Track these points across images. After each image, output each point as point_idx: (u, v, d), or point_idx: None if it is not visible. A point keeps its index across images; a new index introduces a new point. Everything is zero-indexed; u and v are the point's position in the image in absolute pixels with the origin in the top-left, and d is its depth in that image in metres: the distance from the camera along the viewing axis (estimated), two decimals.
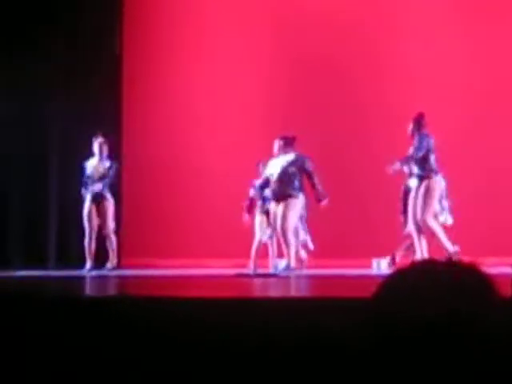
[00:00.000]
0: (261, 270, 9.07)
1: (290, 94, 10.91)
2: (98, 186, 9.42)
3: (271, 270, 9.21)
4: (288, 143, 8.96)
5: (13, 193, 10.35)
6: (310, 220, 9.86)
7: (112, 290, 6.48)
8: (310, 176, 8.85)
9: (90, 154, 9.63)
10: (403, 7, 10.95)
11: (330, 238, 10.33)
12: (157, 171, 10.86)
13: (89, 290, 6.64)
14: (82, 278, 8.45)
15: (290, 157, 8.89)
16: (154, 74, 11.23)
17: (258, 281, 7.90)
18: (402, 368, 1.28)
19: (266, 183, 9.04)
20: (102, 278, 8.54)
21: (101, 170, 9.47)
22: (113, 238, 9.52)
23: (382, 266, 9.16)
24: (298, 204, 8.76)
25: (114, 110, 10.92)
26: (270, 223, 9.29)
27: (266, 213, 9.58)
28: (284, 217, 8.68)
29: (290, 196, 8.74)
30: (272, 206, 8.92)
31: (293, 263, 8.73)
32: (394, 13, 10.93)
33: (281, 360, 3.13)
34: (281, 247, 9.04)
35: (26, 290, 5.56)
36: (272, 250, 9.60)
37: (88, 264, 9.39)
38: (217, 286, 7.04)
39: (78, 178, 9.99)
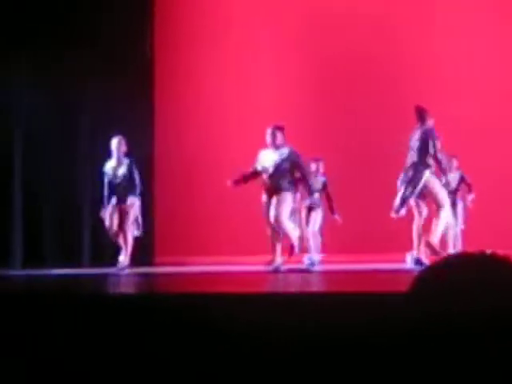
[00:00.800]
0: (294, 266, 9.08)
1: (320, 94, 10.94)
2: (120, 189, 9.37)
3: (305, 265, 9.25)
4: (281, 134, 8.84)
5: (46, 192, 10.44)
6: (342, 215, 9.94)
7: (146, 288, 6.52)
8: (302, 172, 8.77)
9: (108, 156, 9.49)
10: (434, 5, 10.94)
11: (364, 232, 10.35)
12: (188, 171, 10.91)
13: (122, 287, 6.69)
14: (116, 276, 8.50)
15: (283, 152, 8.80)
16: (186, 76, 11.30)
17: (290, 276, 7.89)
18: (435, 365, 1.27)
19: (253, 175, 8.95)
20: (136, 276, 8.58)
21: (121, 171, 9.41)
22: (130, 238, 9.41)
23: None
24: (289, 198, 8.72)
25: (146, 112, 10.99)
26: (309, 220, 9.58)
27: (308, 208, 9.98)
28: (277, 211, 8.65)
29: (282, 190, 8.70)
30: (264, 199, 8.83)
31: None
32: (425, 10, 10.92)
33: (313, 354, 3.13)
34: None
35: (62, 288, 5.61)
36: (309, 246, 9.81)
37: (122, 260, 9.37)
38: (249, 282, 7.06)
39: None
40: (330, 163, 10.31)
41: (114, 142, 9.39)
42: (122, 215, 9.34)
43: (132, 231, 9.37)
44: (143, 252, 10.03)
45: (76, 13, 10.55)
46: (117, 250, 9.81)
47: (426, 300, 1.32)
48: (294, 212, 9.21)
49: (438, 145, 8.35)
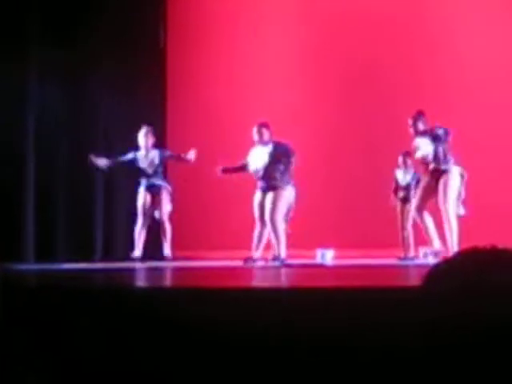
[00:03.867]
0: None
1: (327, 93, 11.01)
2: (152, 180, 9.44)
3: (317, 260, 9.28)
4: (267, 131, 8.92)
5: (58, 186, 10.46)
6: (338, 210, 9.96)
7: (158, 282, 6.53)
8: (280, 162, 8.79)
9: (138, 147, 9.61)
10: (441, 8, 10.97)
11: (361, 228, 10.37)
12: (202, 163, 10.91)
13: (134, 281, 6.70)
14: (129, 270, 8.50)
15: (269, 148, 8.86)
16: (198, 68, 11.32)
17: (301, 271, 7.88)
18: (447, 365, 1.25)
19: (241, 169, 9.04)
20: (148, 270, 8.58)
21: (151, 162, 9.48)
22: (167, 226, 9.54)
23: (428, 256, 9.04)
24: (285, 195, 8.76)
25: (158, 104, 11.02)
26: None
27: None
28: (273, 208, 8.70)
29: (277, 188, 8.74)
30: (258, 196, 8.89)
31: (283, 254, 8.74)
32: (432, 13, 10.97)
33: (320, 351, 3.13)
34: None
35: (74, 283, 5.62)
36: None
37: (136, 252, 9.45)
38: (257, 276, 7.07)
39: (124, 171, 10.09)
40: (335, 160, 10.37)
41: (141, 134, 9.48)
42: (154, 205, 9.43)
43: (167, 219, 9.41)
44: (155, 246, 10.04)
45: (87, 5, 10.58)
46: (130, 244, 9.82)
47: (437, 298, 1.31)
48: (289, 209, 9.14)
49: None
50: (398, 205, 10.14)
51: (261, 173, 8.87)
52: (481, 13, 10.87)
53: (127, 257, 9.63)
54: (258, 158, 8.93)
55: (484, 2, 10.97)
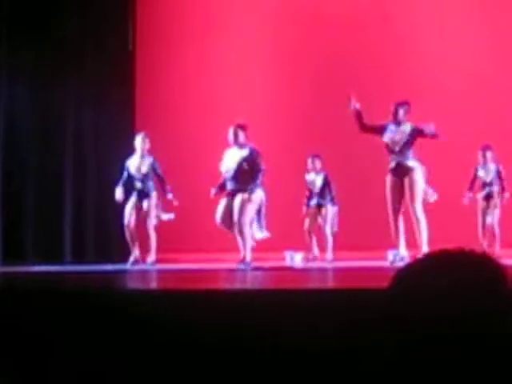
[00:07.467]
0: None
1: (314, 89, 11.01)
2: (141, 185, 9.34)
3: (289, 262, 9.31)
4: (243, 133, 8.84)
5: (28, 188, 10.40)
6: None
7: (136, 285, 6.51)
8: (255, 169, 8.70)
9: (132, 151, 9.47)
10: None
11: (349, 230, 10.37)
12: (173, 167, 10.89)
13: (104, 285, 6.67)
14: (100, 273, 8.46)
15: (244, 152, 8.80)
16: (168, 70, 11.29)
17: (273, 274, 7.90)
18: (414, 367, 1.26)
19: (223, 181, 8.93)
20: (120, 273, 8.54)
21: (144, 168, 9.41)
22: (153, 234, 9.42)
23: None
24: (254, 198, 8.72)
25: (127, 106, 10.97)
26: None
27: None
28: (241, 211, 8.63)
29: (247, 191, 8.69)
30: (227, 200, 8.82)
31: (249, 257, 8.68)
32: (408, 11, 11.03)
33: (296, 352, 3.13)
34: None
35: (44, 285, 5.59)
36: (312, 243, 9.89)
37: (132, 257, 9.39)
38: (231, 279, 7.08)
39: (93, 174, 10.03)
40: (329, 160, 10.36)
41: (138, 139, 9.39)
42: (142, 213, 9.33)
43: (152, 225, 9.36)
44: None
45: (56, 8, 10.52)
46: (99, 247, 9.78)
47: (405, 299, 1.32)
48: (260, 212, 9.07)
49: None
50: (481, 202, 9.75)
51: (231, 173, 8.77)
52: (449, 12, 10.95)
53: (96, 259, 9.58)
54: (231, 159, 8.83)
55: (453, 3, 11.05)
